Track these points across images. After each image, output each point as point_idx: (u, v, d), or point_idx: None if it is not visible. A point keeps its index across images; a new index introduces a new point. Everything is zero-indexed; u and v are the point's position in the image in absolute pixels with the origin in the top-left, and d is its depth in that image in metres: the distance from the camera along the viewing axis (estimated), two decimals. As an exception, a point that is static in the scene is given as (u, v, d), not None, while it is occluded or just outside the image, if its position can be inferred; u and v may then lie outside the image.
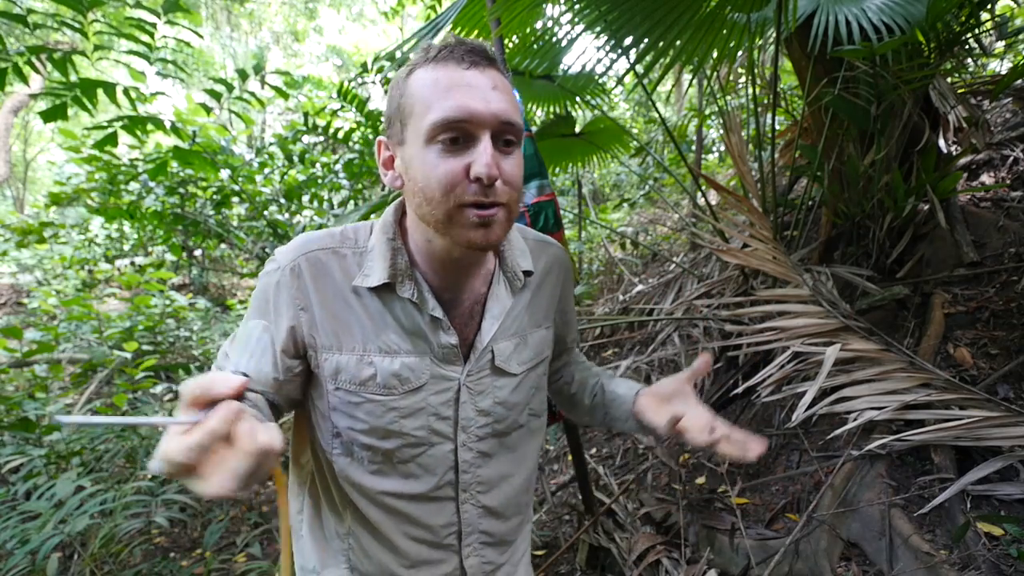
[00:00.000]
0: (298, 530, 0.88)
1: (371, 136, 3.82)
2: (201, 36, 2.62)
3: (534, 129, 2.58)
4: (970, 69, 2.90)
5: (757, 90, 2.38)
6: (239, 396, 0.50)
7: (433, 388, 0.75)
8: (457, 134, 0.64)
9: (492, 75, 0.66)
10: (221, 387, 0.48)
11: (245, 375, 0.49)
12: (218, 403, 0.48)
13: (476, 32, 2.27)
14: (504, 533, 0.87)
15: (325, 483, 0.82)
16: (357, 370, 0.73)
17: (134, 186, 4.19)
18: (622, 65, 2.09)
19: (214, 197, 4.27)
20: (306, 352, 0.74)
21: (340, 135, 3.92)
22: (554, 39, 2.30)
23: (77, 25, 2.06)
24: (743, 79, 3.76)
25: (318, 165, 4.21)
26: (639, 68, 2.06)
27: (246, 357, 0.73)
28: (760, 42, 2.61)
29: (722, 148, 5.82)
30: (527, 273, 0.83)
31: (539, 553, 2.18)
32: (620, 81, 2.51)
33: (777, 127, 2.79)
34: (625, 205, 6.29)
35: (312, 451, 0.83)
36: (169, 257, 6.60)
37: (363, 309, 0.73)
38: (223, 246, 5.13)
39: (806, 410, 1.53)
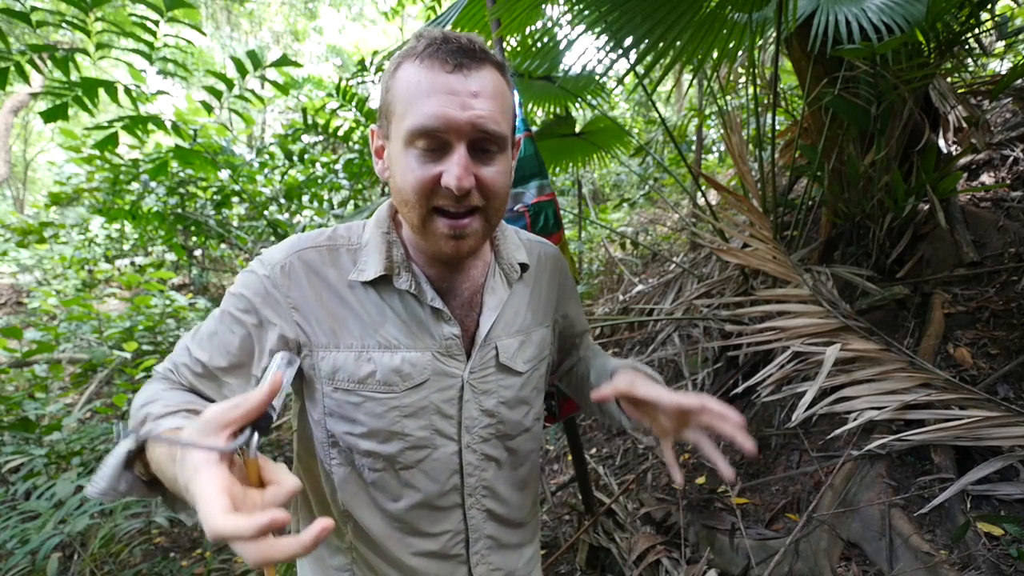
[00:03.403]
0: None
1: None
2: (204, 33, 2.63)
3: (534, 129, 2.58)
4: (970, 69, 2.90)
5: (757, 90, 2.38)
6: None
7: (435, 385, 0.73)
8: (432, 142, 0.63)
9: (479, 77, 0.63)
10: (243, 413, 0.49)
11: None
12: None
13: (476, 33, 2.27)
14: (510, 538, 0.85)
15: (321, 498, 0.79)
16: (356, 367, 0.71)
17: (134, 186, 4.19)
18: (622, 65, 2.09)
19: (214, 197, 4.27)
20: (299, 352, 0.72)
21: (340, 134, 3.92)
22: (554, 40, 2.30)
23: (80, 24, 2.06)
24: (743, 79, 3.75)
25: (318, 165, 4.20)
26: (639, 68, 2.06)
27: (219, 355, 0.71)
28: (760, 42, 2.61)
29: (722, 148, 5.82)
30: (523, 267, 0.83)
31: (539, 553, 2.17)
32: (620, 81, 2.51)
33: (777, 127, 2.79)
34: (625, 205, 6.29)
35: (303, 466, 0.80)
36: (169, 257, 6.59)
37: (360, 304, 0.72)
38: (223, 246, 5.13)
39: (806, 410, 1.53)
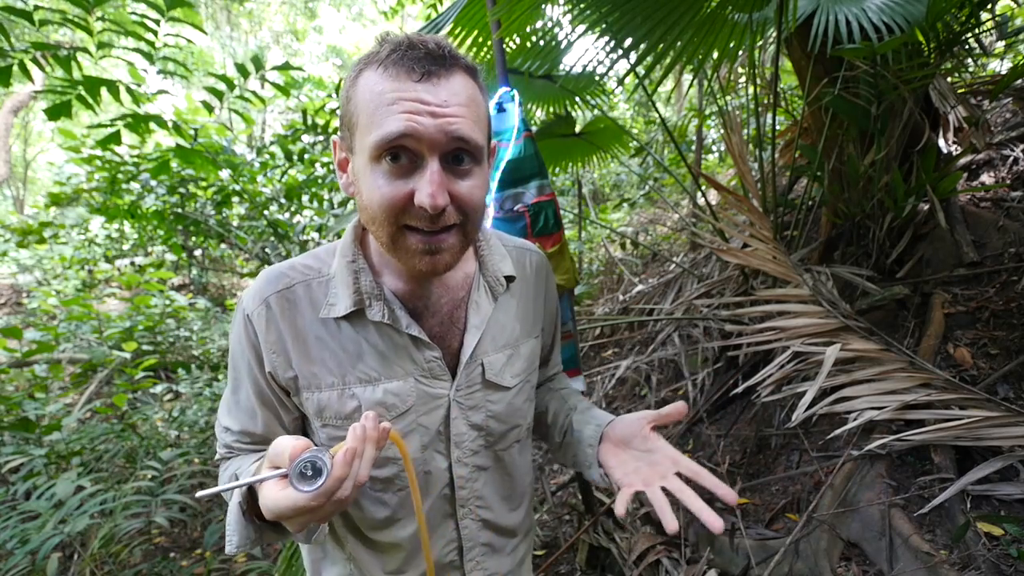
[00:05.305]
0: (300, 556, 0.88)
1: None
2: (205, 32, 2.63)
3: (534, 129, 2.57)
4: (970, 69, 2.90)
5: (757, 90, 2.38)
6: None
7: (422, 409, 0.73)
8: (402, 157, 0.58)
9: (450, 85, 0.59)
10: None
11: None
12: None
13: (476, 33, 2.27)
14: (505, 542, 0.86)
15: None
16: (340, 405, 0.70)
17: (134, 186, 4.19)
18: (622, 66, 2.09)
19: (214, 197, 4.27)
20: (288, 392, 0.73)
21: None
22: (555, 40, 2.30)
23: (81, 23, 2.06)
24: (743, 79, 3.76)
25: (318, 165, 4.20)
26: (640, 69, 2.06)
27: (252, 420, 0.75)
28: (760, 42, 2.61)
29: (722, 148, 5.82)
30: (509, 279, 0.79)
31: (539, 553, 2.18)
32: (620, 82, 2.51)
33: (777, 127, 2.79)
34: (625, 205, 6.29)
35: None
36: (169, 257, 6.60)
37: (335, 341, 0.70)
38: (223, 246, 5.13)
39: (806, 410, 1.53)
